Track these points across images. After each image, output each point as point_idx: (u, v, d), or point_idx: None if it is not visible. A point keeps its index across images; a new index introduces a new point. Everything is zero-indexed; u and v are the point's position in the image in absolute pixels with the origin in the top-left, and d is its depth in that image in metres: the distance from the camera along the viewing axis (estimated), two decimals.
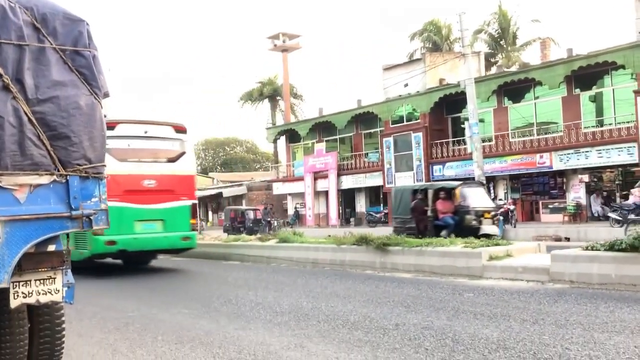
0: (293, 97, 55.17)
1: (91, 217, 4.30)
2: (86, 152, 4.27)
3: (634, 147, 23.73)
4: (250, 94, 57.28)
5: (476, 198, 18.21)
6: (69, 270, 4.41)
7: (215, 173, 70.86)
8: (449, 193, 18.02)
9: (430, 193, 18.32)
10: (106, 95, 4.54)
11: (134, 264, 15.67)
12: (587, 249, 10.10)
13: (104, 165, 4.45)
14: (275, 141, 47.29)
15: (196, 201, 14.97)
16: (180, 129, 14.31)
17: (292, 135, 43.91)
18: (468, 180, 24.18)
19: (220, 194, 48.72)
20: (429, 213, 17.86)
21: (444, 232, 16.16)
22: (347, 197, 39.01)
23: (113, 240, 12.88)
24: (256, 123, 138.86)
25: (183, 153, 14.33)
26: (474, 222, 17.11)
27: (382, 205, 36.06)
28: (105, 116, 4.53)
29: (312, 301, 8.87)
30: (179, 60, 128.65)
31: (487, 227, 17.19)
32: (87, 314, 8.36)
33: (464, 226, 16.59)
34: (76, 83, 4.29)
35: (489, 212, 17.90)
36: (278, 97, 55.89)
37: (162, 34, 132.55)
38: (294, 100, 55.90)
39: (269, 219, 36.34)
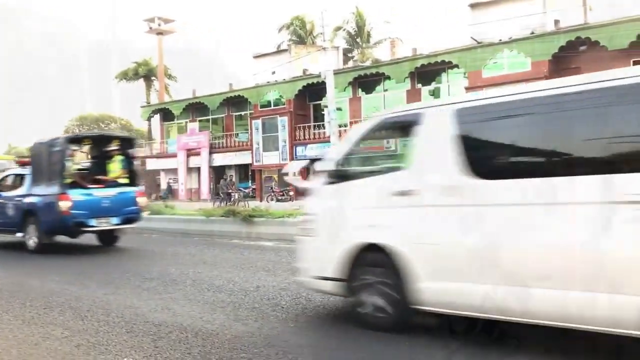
0: (167, 78, 53.23)
1: None
2: None
3: None
4: (126, 73, 54.43)
5: None
6: None
7: None
8: None
9: None
10: None
11: None
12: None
13: None
14: (149, 119, 45.47)
15: None
16: None
17: (166, 114, 42.49)
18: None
19: None
20: None
21: None
22: (218, 174, 38.47)
23: None
24: (132, 101, 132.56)
25: None
26: None
27: (250, 181, 36.04)
28: None
29: (180, 268, 8.75)
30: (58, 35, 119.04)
31: None
32: None
33: None
34: None
35: None
36: (153, 78, 53.65)
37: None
38: (168, 81, 53.93)
39: (229, 191, 30.32)
